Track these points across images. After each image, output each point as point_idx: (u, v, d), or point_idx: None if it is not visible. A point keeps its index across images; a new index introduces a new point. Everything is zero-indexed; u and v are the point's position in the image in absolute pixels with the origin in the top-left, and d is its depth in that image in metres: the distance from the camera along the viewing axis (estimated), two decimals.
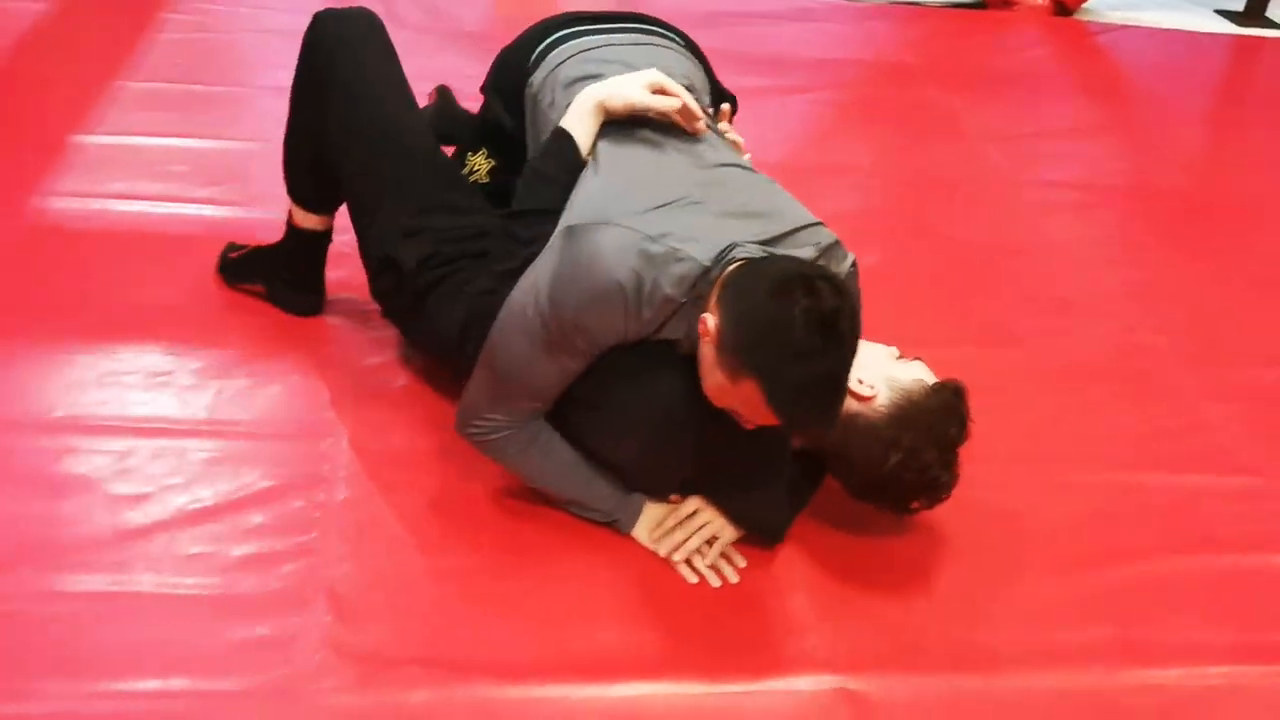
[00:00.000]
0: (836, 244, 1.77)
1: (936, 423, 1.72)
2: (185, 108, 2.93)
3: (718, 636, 1.70)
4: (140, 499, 1.79)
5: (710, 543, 1.81)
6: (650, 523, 1.83)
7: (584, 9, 2.14)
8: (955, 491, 1.77)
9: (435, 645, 1.63)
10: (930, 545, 1.90)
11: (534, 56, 2.05)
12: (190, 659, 1.55)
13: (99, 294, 2.23)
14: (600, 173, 1.81)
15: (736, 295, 1.58)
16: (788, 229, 1.73)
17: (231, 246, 2.31)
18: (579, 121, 1.85)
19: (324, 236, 2.19)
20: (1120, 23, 4.66)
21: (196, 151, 2.75)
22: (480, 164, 2.17)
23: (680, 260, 1.62)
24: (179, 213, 2.51)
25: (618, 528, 1.83)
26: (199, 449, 1.90)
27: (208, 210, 2.53)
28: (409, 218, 1.94)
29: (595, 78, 1.92)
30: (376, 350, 2.16)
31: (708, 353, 1.61)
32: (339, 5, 2.08)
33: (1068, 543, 1.94)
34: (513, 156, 2.09)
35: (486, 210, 1.99)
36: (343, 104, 1.96)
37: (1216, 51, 4.64)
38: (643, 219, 1.66)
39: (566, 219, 1.73)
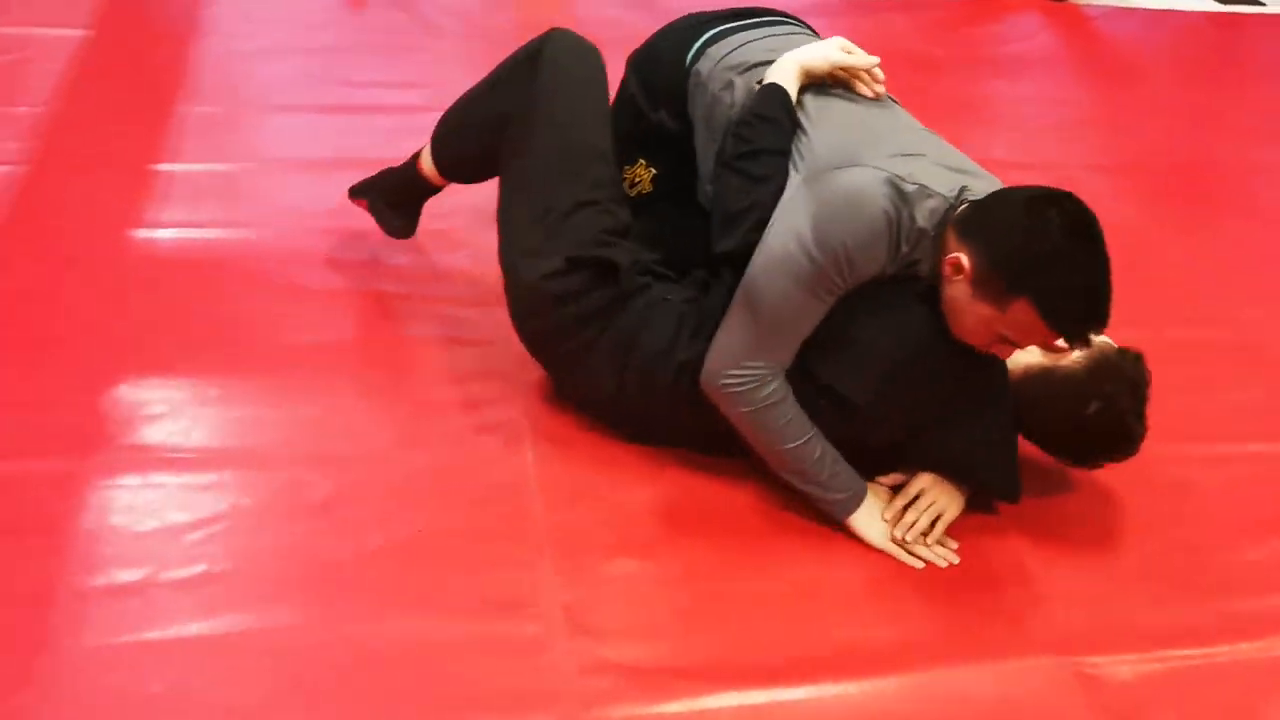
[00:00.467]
0: None
1: (1130, 375, 1.84)
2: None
3: (944, 623, 1.75)
4: (341, 530, 1.79)
5: (934, 523, 1.86)
6: (875, 508, 1.86)
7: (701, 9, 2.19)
8: (1124, 466, 1.89)
9: (681, 654, 1.65)
10: (1116, 521, 1.97)
11: (692, 53, 2.08)
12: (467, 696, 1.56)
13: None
14: (818, 127, 1.88)
15: (987, 225, 1.70)
16: (993, 185, 1.83)
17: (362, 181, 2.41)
18: (783, 82, 1.92)
19: (438, 190, 2.32)
20: (1113, 4, 4.80)
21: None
22: (641, 174, 2.17)
23: (930, 196, 1.74)
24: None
25: (841, 510, 1.85)
26: (385, 477, 1.90)
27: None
28: (607, 223, 1.96)
29: (767, 64, 1.98)
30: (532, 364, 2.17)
31: (961, 292, 1.72)
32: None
33: (1244, 511, 2.03)
34: (677, 159, 2.11)
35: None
36: (551, 121, 2.01)
37: (1206, 29, 4.79)
38: (888, 161, 1.75)
39: (805, 169, 1.81)
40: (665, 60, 2.14)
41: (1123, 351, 1.88)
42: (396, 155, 2.67)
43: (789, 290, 1.75)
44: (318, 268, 2.39)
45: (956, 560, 1.85)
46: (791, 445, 1.82)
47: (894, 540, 1.85)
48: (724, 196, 1.89)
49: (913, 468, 1.90)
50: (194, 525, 1.75)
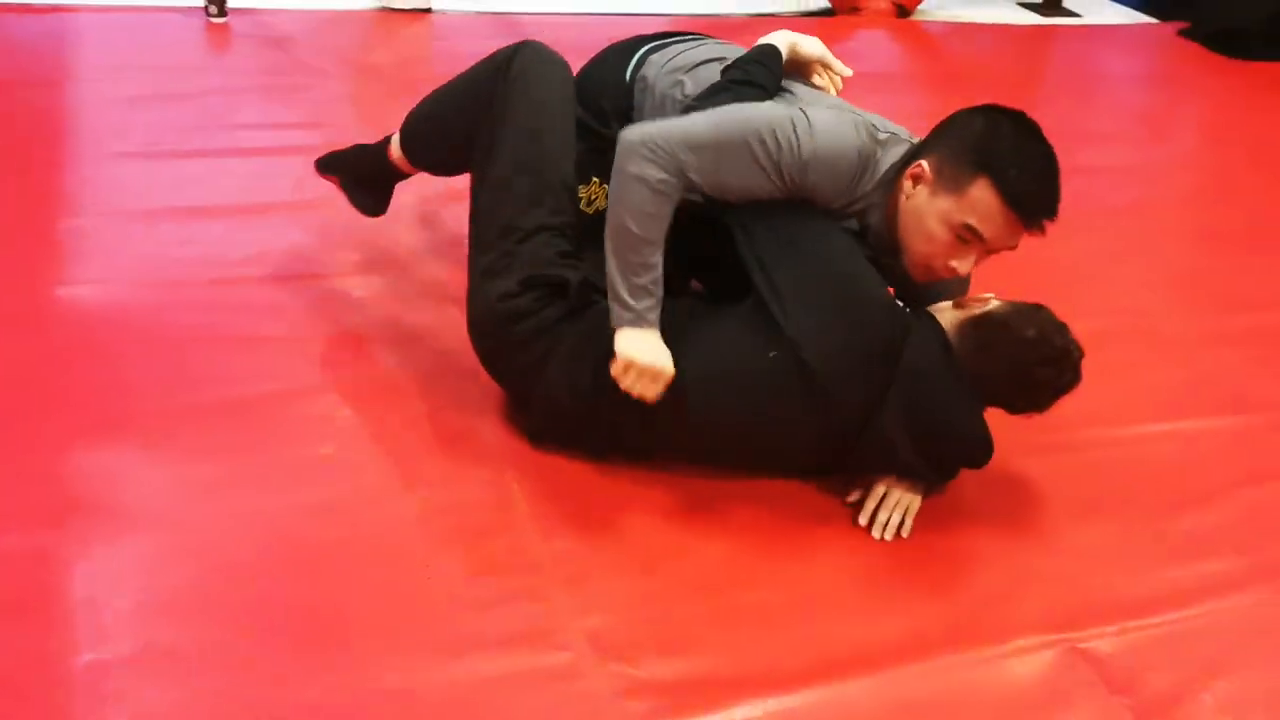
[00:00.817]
0: None
1: (1041, 311, 1.91)
2: None
3: (943, 612, 1.82)
4: (342, 579, 1.75)
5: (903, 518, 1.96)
6: (651, 340, 1.85)
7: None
8: (1041, 457, 2.07)
9: (710, 666, 1.66)
10: (1072, 504, 2.08)
11: (632, 66, 2.20)
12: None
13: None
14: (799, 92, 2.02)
15: (944, 133, 1.89)
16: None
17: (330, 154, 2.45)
18: (777, 44, 2.06)
19: (408, 176, 2.38)
20: (947, 19, 5.06)
21: None
22: (596, 192, 2.19)
23: (900, 142, 1.94)
24: None
25: (624, 320, 1.85)
26: (373, 521, 1.87)
27: None
28: (564, 246, 1.99)
29: (717, 60, 2.10)
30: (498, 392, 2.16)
31: (920, 197, 1.86)
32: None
33: (1186, 483, 2.18)
34: None
35: None
36: (518, 136, 2.04)
37: (1027, 40, 5.09)
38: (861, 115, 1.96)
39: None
40: (607, 81, 2.22)
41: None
42: (308, 197, 2.65)
43: (751, 136, 1.82)
44: (257, 314, 2.33)
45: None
46: (639, 233, 1.83)
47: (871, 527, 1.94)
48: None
49: (872, 474, 1.97)
50: (185, 588, 1.68)
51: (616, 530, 1.90)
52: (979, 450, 1.93)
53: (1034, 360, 1.87)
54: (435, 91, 2.24)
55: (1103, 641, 1.79)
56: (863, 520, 1.95)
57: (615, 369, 1.84)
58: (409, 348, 2.29)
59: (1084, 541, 2.00)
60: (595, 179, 2.22)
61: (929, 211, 1.86)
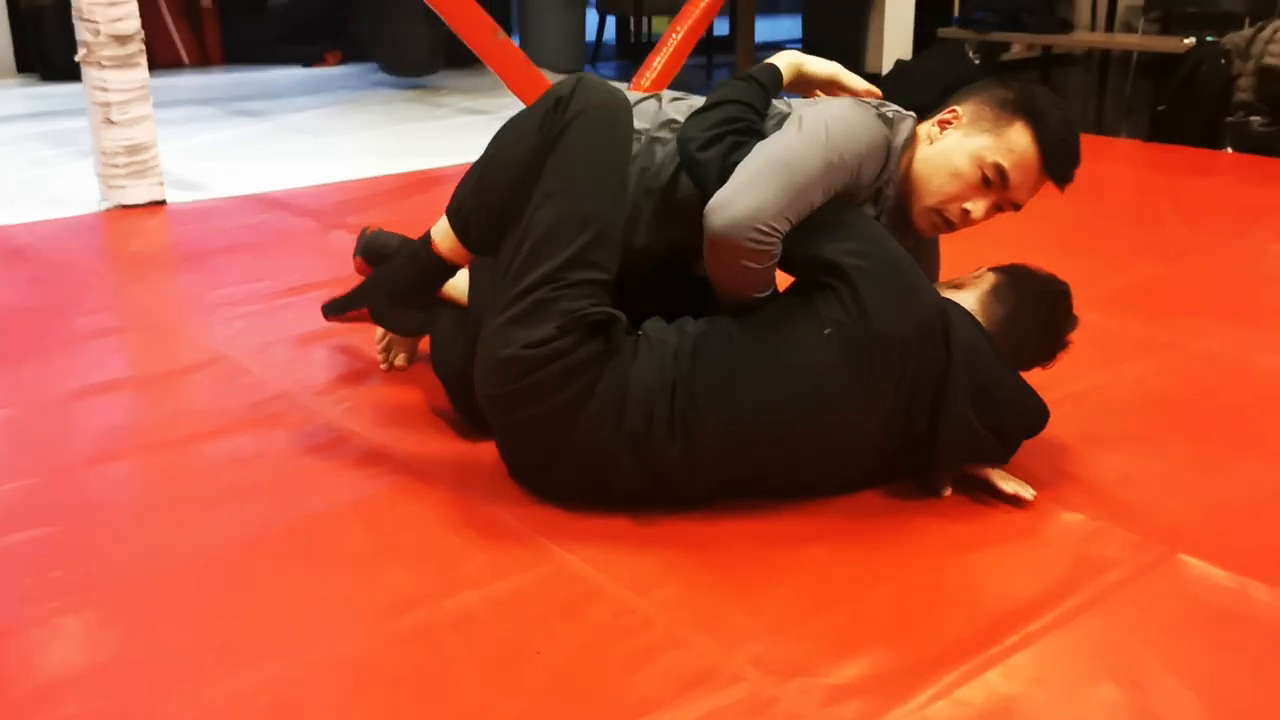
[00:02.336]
0: None
1: (1023, 267, 2.00)
2: None
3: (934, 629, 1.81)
4: (474, 678, 1.51)
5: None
6: None
7: None
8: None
9: (889, 658, 1.55)
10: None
11: None
12: None
13: None
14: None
15: (976, 91, 1.99)
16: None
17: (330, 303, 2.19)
18: (779, 65, 2.07)
19: (453, 271, 2.08)
20: None
21: None
22: None
23: (904, 117, 1.99)
24: None
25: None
26: (454, 626, 1.64)
27: None
28: (603, 299, 1.86)
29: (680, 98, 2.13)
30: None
31: (951, 138, 1.94)
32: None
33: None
34: None
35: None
36: (571, 185, 1.88)
37: None
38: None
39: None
40: None
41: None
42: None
43: (820, 165, 1.81)
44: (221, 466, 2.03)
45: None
46: (761, 294, 1.87)
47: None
48: (697, 132, 1.92)
49: (944, 467, 1.95)
50: None
51: (704, 567, 1.77)
52: (1040, 417, 1.94)
53: (1058, 311, 1.96)
54: (478, 162, 2.01)
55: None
56: (1007, 488, 1.92)
57: None
58: (386, 461, 2.08)
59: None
60: None
61: (960, 148, 1.92)
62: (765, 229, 1.78)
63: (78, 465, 2.09)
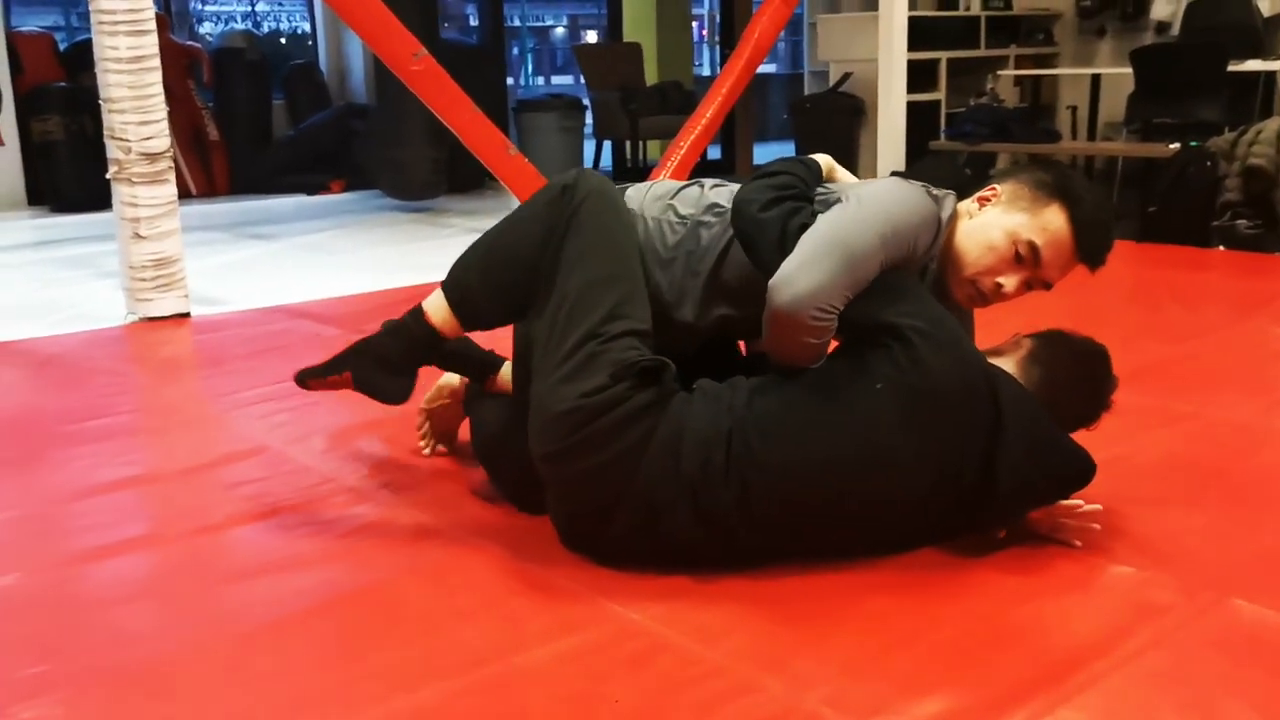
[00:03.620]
0: None
1: (1061, 333, 2.06)
2: None
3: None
4: None
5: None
6: None
7: None
8: None
9: (964, 696, 1.57)
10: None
11: None
12: None
13: None
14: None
15: (1016, 173, 2.07)
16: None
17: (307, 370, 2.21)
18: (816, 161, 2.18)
19: (444, 344, 2.16)
20: None
21: None
22: None
23: (947, 195, 2.08)
24: None
25: None
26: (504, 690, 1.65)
27: None
28: (646, 351, 1.94)
29: (692, 183, 2.23)
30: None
31: (990, 213, 2.02)
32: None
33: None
34: None
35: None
36: (599, 250, 2.00)
37: None
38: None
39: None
40: None
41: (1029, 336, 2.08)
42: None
43: (874, 246, 1.87)
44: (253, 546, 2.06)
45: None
46: (815, 365, 1.91)
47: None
48: (766, 224, 1.95)
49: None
50: None
51: (768, 618, 1.79)
52: (1089, 467, 1.97)
53: (1098, 371, 2.02)
54: (480, 242, 2.12)
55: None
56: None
57: None
58: (440, 534, 2.11)
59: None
60: None
61: (997, 224, 2.00)
62: (827, 308, 1.84)
63: (144, 546, 2.12)
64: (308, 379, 2.20)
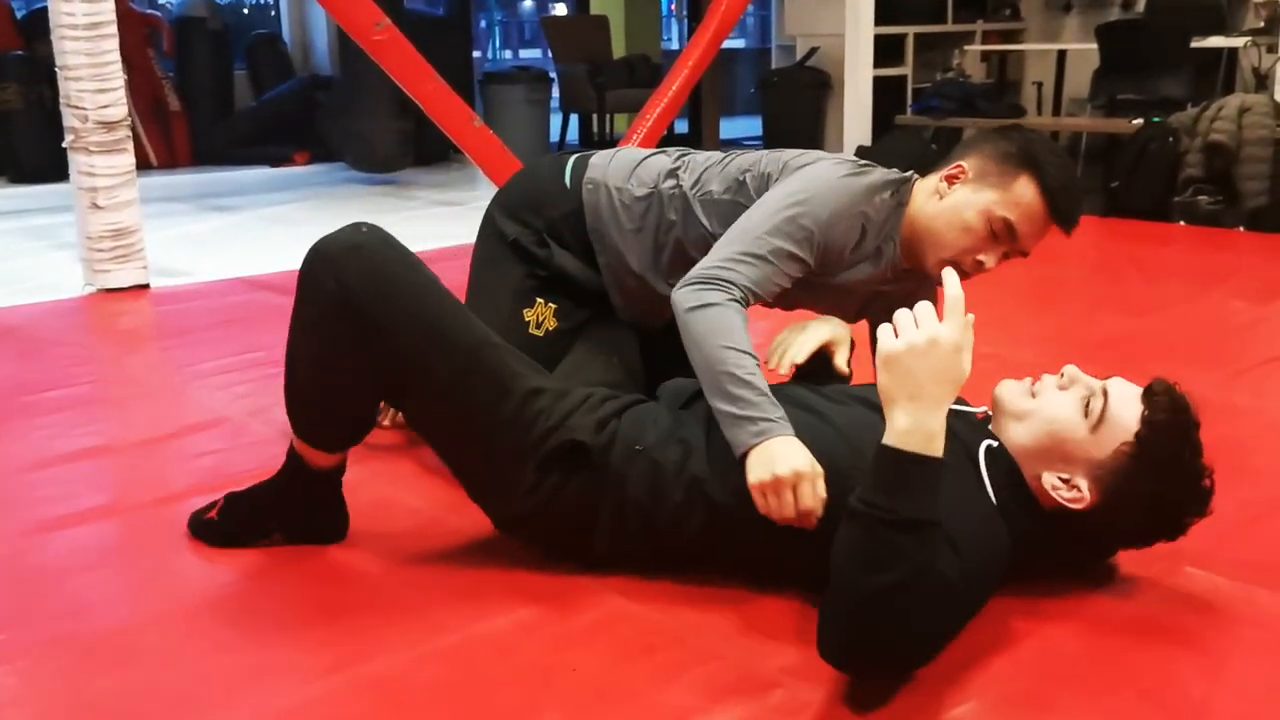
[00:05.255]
0: None
1: (1171, 418, 1.69)
2: None
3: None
4: None
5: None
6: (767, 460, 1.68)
7: None
8: None
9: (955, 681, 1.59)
10: None
11: (569, 175, 2.21)
12: None
13: None
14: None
15: (977, 146, 2.01)
16: None
17: (199, 514, 1.99)
18: None
19: (343, 469, 1.96)
20: None
21: None
22: (543, 312, 2.18)
23: (903, 180, 2.04)
24: None
25: (772, 430, 1.69)
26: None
27: None
28: (547, 402, 1.80)
29: (663, 152, 2.20)
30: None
31: (960, 193, 1.97)
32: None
33: None
34: (571, 286, 2.18)
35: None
36: (423, 342, 1.75)
37: None
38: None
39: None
40: (547, 190, 2.23)
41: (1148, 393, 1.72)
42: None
43: (783, 227, 1.90)
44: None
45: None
46: (732, 348, 1.76)
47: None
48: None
49: None
50: None
51: (728, 589, 1.79)
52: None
53: (1172, 499, 1.69)
54: (290, 380, 1.87)
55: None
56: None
57: (761, 494, 1.67)
58: (398, 506, 2.11)
59: None
60: (539, 299, 2.20)
61: (970, 204, 1.96)
62: (709, 275, 1.86)
63: (103, 516, 2.11)
64: (215, 537, 1.97)
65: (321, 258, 1.78)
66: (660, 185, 2.13)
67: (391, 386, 1.81)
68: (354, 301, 1.73)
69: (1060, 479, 1.68)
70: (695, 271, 1.90)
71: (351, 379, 1.79)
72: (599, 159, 2.23)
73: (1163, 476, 1.66)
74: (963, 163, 2.00)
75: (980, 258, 1.98)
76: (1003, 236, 1.97)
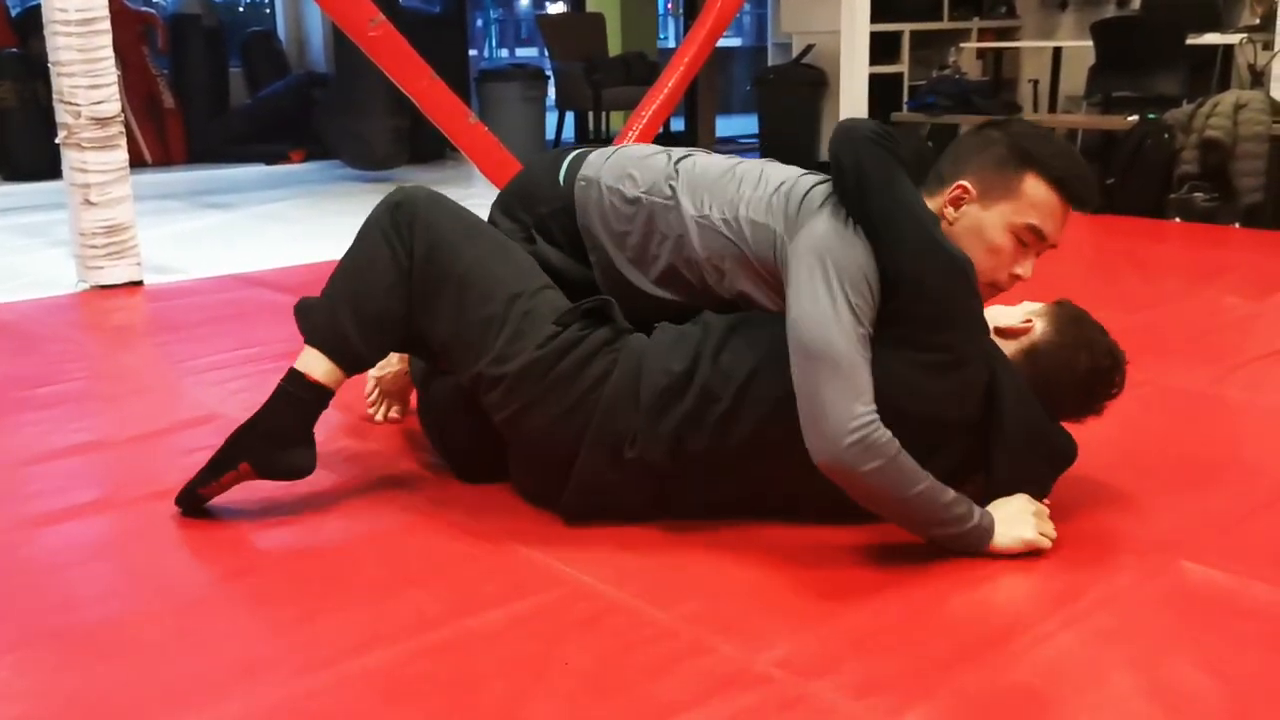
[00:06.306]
0: None
1: (1085, 318, 2.03)
2: None
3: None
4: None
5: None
6: (1006, 525, 1.84)
7: None
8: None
9: (899, 663, 1.60)
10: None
11: (564, 172, 2.17)
12: None
13: None
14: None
15: (964, 157, 1.96)
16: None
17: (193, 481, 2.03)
18: None
19: (331, 395, 2.02)
20: None
21: None
22: None
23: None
24: None
25: (986, 533, 1.82)
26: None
27: None
28: (569, 301, 1.98)
29: (663, 152, 2.14)
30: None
31: (973, 212, 1.92)
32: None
33: None
34: (561, 285, 2.10)
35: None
36: (461, 242, 1.99)
37: None
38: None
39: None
40: (540, 185, 2.20)
41: (1060, 303, 2.04)
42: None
43: (846, 330, 1.77)
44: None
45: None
46: (923, 486, 1.77)
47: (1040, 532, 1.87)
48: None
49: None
50: None
51: (719, 581, 1.80)
52: (1072, 452, 1.98)
53: (1093, 383, 1.98)
54: (334, 284, 2.02)
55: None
56: (1036, 527, 1.87)
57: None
58: (393, 501, 2.10)
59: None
60: None
61: (987, 223, 1.91)
62: (858, 425, 1.73)
63: (96, 511, 2.10)
64: (196, 489, 2.02)
65: (400, 189, 2.06)
66: (653, 193, 2.07)
67: (424, 280, 1.95)
68: (411, 206, 1.99)
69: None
70: (833, 429, 1.74)
71: (391, 273, 1.96)
72: (596, 156, 2.19)
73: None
74: (963, 181, 1.93)
75: (1016, 271, 1.94)
76: (1031, 242, 1.93)
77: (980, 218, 1.92)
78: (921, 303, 1.82)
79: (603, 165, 2.15)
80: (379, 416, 2.50)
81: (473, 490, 2.14)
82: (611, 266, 2.12)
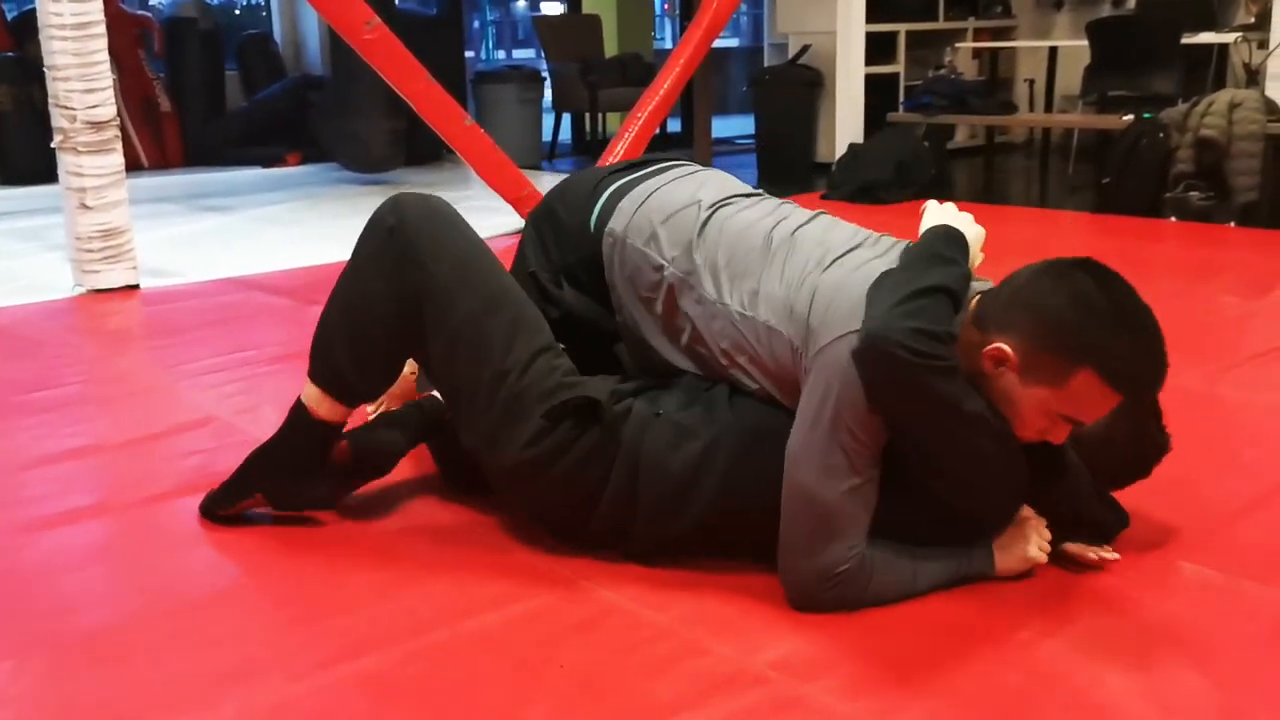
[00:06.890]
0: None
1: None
2: None
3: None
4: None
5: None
6: (1005, 550, 1.80)
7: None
8: None
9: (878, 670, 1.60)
10: None
11: (595, 217, 2.03)
12: None
13: None
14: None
15: (1015, 308, 1.65)
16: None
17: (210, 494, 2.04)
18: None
19: (340, 429, 2.00)
20: None
21: None
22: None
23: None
24: None
25: (986, 566, 1.78)
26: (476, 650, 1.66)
27: None
28: (564, 363, 1.88)
29: (690, 206, 1.95)
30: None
31: (1009, 382, 1.66)
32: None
33: None
34: (584, 334, 2.04)
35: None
36: (455, 284, 1.85)
37: None
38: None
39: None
40: (572, 223, 2.07)
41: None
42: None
43: (838, 476, 1.66)
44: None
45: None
46: (906, 579, 1.74)
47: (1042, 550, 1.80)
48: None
49: None
50: None
51: (714, 585, 1.79)
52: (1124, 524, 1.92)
53: (1134, 457, 1.92)
54: (328, 317, 1.94)
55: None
56: (1031, 550, 1.79)
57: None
58: (388, 505, 2.10)
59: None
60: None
61: (1023, 399, 1.66)
62: (844, 565, 1.67)
63: (92, 515, 2.10)
64: (213, 508, 2.03)
65: (393, 200, 1.93)
66: (676, 266, 1.92)
67: (417, 324, 1.86)
68: (405, 232, 1.87)
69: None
70: (816, 574, 1.68)
71: (384, 312, 1.87)
72: (627, 203, 2.01)
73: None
74: (1004, 345, 1.64)
75: (1047, 437, 1.72)
76: (1066, 424, 1.70)
77: (1018, 391, 1.66)
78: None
79: (631, 218, 1.99)
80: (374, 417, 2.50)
81: (469, 499, 2.13)
82: (637, 328, 2.02)
